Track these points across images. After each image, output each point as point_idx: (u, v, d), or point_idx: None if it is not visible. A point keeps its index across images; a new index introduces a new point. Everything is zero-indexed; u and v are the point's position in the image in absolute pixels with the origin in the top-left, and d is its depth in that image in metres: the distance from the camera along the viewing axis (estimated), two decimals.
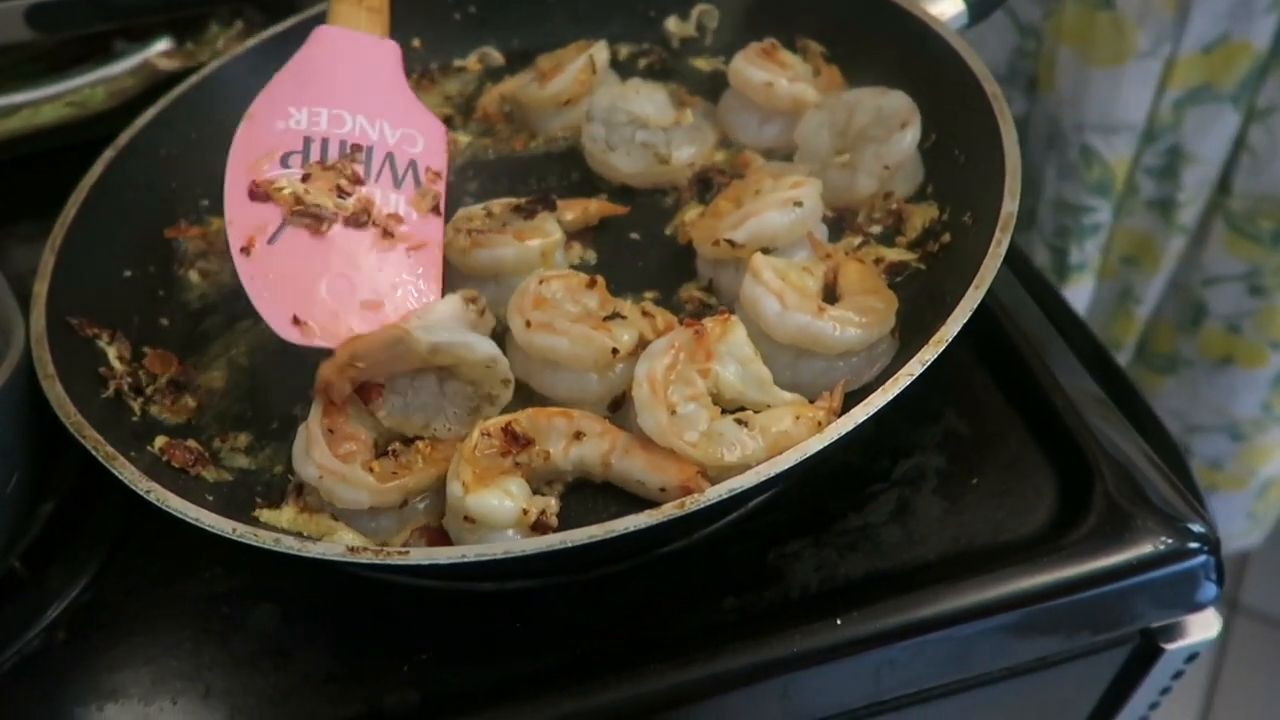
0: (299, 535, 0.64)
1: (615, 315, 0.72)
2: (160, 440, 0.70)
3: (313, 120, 0.82)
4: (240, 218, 0.76)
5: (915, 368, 0.59)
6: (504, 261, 0.78)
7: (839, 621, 0.62)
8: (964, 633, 0.63)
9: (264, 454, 0.72)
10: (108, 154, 0.86)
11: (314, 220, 0.78)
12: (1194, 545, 0.64)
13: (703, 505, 0.56)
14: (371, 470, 0.66)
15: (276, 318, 0.73)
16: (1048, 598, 0.63)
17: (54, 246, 0.77)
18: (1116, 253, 1.32)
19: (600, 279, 0.75)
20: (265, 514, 0.67)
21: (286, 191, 0.78)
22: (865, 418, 0.58)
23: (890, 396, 0.59)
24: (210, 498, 0.67)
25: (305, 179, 0.79)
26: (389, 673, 0.64)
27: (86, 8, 1.00)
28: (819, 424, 0.64)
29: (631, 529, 0.55)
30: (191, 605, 0.70)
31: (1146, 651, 0.70)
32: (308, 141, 0.81)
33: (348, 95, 0.84)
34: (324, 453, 0.66)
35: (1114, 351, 1.45)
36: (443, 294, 0.77)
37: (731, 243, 0.74)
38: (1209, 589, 0.66)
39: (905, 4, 0.85)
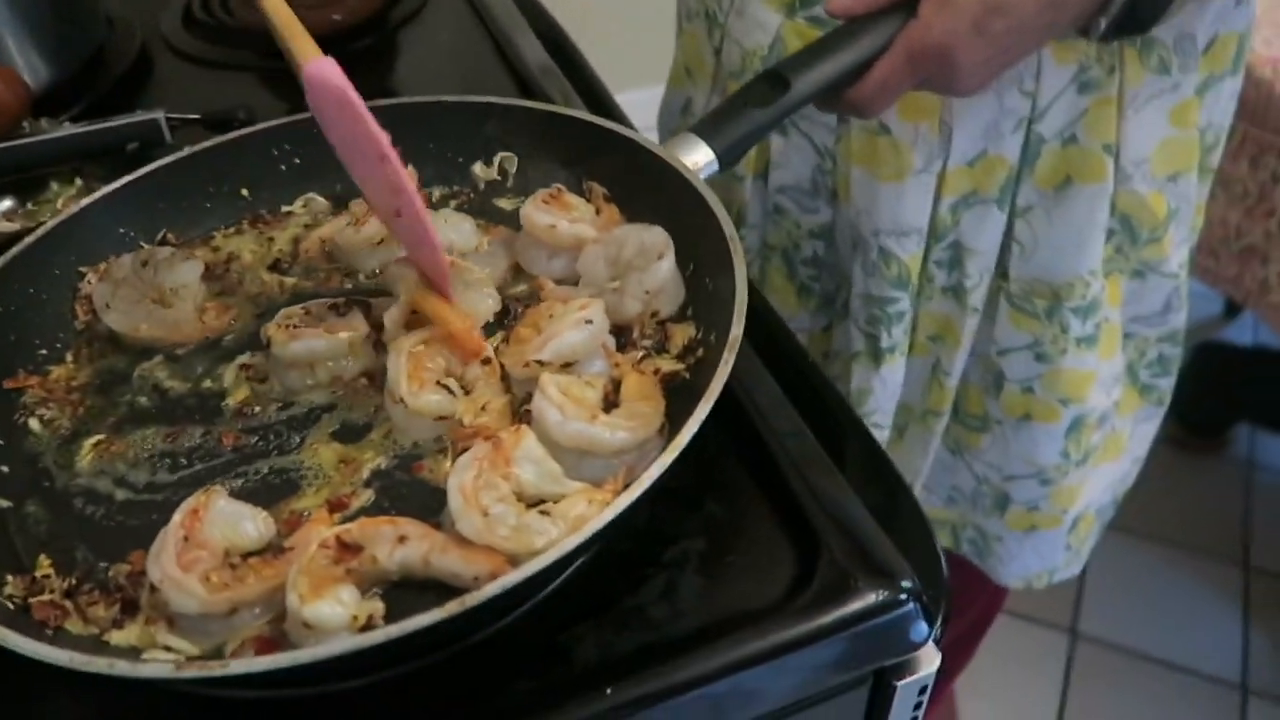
0: (132, 656, 0.72)
1: (453, 391, 0.87)
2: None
3: None
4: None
5: (655, 470, 0.73)
6: (316, 351, 0.92)
7: (609, 691, 0.73)
8: (715, 690, 0.75)
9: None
10: None
11: None
12: (902, 597, 0.78)
13: (484, 600, 0.67)
14: (209, 579, 0.73)
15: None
16: (782, 652, 0.76)
17: None
18: (924, 332, 1.50)
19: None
20: (116, 635, 0.74)
21: None
22: (628, 503, 0.71)
23: (639, 492, 0.72)
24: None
25: None
26: None
27: None
28: (605, 504, 0.75)
29: (421, 626, 0.65)
30: None
31: (883, 689, 0.83)
32: None
33: None
34: (170, 558, 0.74)
35: (934, 417, 1.62)
36: None
37: (540, 362, 0.87)
38: (920, 629, 0.80)
39: (665, 155, 1.01)
